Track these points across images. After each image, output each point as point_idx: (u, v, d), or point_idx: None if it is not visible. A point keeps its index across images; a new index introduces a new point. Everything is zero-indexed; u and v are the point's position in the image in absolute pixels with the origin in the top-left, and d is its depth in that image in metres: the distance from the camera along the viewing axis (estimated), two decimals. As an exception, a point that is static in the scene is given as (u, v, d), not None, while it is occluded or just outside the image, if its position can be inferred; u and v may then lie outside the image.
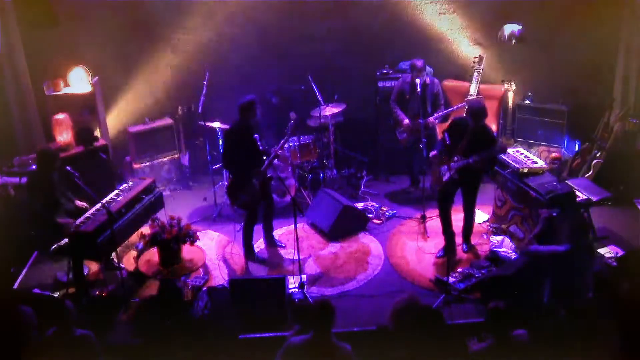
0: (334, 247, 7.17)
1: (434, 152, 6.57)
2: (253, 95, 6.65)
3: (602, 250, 6.47)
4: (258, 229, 7.08)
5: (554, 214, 5.76)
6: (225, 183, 8.05)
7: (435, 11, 8.70)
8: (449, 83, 8.51)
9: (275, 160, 6.80)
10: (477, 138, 6.23)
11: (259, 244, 7.18)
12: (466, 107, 6.79)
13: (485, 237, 7.16)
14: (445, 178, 6.43)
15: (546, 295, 5.52)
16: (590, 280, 5.29)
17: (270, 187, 7.05)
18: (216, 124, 7.99)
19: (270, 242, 7.16)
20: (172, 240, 5.91)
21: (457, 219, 6.80)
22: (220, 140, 7.99)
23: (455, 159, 6.33)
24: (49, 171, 6.32)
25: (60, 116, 7.54)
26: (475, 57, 8.19)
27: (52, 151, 6.59)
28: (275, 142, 7.90)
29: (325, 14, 8.61)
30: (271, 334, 5.54)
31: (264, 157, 6.67)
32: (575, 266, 5.27)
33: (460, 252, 6.83)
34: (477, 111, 6.28)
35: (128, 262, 6.74)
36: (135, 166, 8.38)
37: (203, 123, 7.89)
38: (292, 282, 6.26)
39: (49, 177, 6.31)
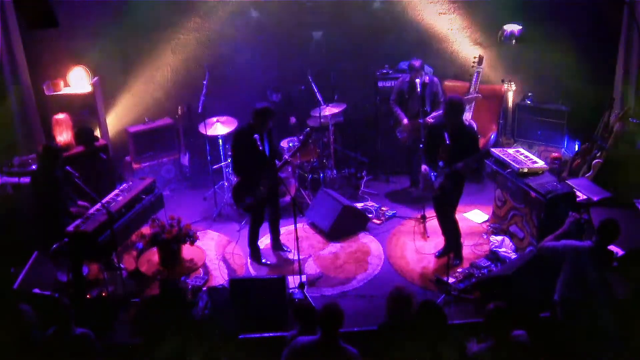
0: (334, 247, 7.16)
1: (424, 167, 6.41)
2: (269, 104, 6.62)
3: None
4: (261, 228, 7.04)
5: (583, 219, 5.64)
6: (226, 183, 8.05)
7: (435, 11, 8.70)
8: (449, 83, 8.52)
9: (278, 162, 6.77)
10: (459, 141, 6.09)
11: (261, 240, 7.12)
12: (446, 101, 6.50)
13: (485, 237, 7.16)
14: (436, 185, 6.33)
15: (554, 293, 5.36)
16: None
17: (278, 191, 6.94)
18: (217, 128, 7.89)
19: (277, 245, 7.11)
20: (172, 241, 5.91)
21: (459, 218, 6.77)
22: (221, 141, 7.98)
23: (441, 164, 6.23)
24: (53, 167, 6.33)
25: (60, 116, 7.54)
26: (475, 57, 8.20)
27: (55, 147, 6.62)
28: (276, 142, 7.90)
29: (326, 14, 8.61)
30: (271, 334, 5.55)
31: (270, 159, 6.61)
32: (593, 265, 5.09)
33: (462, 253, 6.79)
34: (457, 103, 6.16)
35: (128, 262, 6.74)
36: (135, 166, 8.37)
37: (204, 132, 7.83)
38: (292, 282, 6.26)
39: (53, 173, 6.32)
